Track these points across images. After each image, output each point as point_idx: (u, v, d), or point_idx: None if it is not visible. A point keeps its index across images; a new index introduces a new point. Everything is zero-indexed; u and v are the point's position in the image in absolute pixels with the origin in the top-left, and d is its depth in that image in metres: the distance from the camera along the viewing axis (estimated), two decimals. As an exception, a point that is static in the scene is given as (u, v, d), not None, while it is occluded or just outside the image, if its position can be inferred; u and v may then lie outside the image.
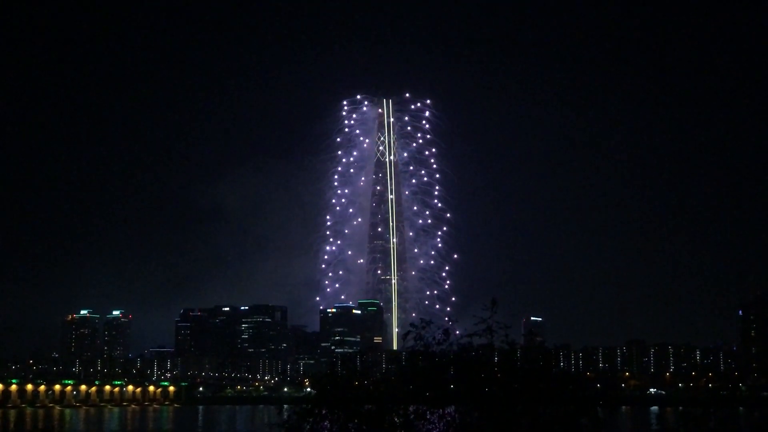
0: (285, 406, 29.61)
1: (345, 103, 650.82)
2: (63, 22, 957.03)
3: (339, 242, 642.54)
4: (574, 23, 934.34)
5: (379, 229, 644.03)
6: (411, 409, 26.16)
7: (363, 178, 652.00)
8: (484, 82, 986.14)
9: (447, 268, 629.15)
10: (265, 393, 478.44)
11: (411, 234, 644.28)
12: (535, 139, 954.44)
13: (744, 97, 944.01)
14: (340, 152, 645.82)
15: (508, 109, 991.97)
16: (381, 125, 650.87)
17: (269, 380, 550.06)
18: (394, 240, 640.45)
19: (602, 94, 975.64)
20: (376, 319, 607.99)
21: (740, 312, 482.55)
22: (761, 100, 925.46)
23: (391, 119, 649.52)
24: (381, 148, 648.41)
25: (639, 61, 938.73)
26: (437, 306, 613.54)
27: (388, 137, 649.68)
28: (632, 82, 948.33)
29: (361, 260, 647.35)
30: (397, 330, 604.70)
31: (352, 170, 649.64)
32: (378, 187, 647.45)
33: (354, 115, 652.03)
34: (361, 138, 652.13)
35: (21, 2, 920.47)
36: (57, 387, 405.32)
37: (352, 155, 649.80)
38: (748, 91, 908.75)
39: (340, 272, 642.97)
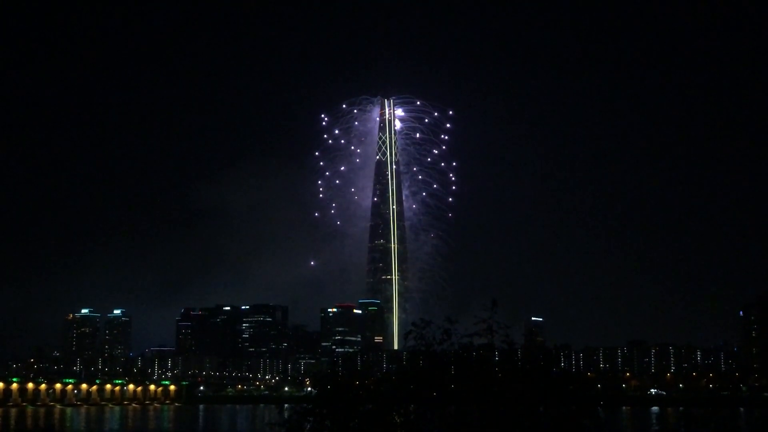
0: (286, 405, 29.69)
1: (346, 103, 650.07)
2: (63, 23, 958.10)
3: (339, 242, 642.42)
4: (585, 31, 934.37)
5: (380, 230, 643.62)
6: (412, 408, 26.15)
7: (364, 178, 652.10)
8: (485, 85, 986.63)
9: (448, 268, 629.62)
10: (266, 392, 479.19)
11: (412, 234, 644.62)
12: (535, 141, 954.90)
13: (746, 98, 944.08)
14: (341, 152, 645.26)
15: (508, 110, 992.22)
16: (383, 126, 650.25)
17: (270, 379, 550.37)
18: (395, 240, 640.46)
19: (606, 100, 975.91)
20: (376, 319, 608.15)
21: (741, 313, 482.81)
22: (763, 102, 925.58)
23: (395, 121, 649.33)
24: (382, 148, 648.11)
25: (648, 69, 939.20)
26: (438, 306, 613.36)
27: (389, 138, 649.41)
28: (638, 87, 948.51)
29: (362, 261, 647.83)
30: (397, 330, 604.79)
31: (353, 170, 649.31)
32: (379, 188, 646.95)
33: (355, 116, 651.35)
34: (362, 138, 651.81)
35: (20, 3, 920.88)
36: (58, 386, 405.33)
37: (353, 155, 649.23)
38: (749, 92, 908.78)
39: (341, 272, 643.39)
